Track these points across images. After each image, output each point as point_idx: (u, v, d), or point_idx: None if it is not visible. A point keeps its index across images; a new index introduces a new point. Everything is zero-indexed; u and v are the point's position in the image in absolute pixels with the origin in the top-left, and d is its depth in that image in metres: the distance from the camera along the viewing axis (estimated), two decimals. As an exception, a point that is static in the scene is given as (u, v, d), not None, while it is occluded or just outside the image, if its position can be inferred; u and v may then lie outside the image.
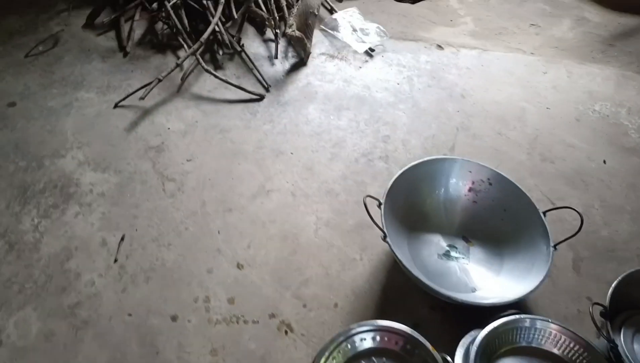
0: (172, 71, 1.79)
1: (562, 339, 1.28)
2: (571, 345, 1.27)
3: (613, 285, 1.34)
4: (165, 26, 2.01)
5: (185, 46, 1.93)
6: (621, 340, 1.32)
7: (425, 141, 1.83)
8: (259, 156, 1.72)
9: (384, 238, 1.35)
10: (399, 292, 1.41)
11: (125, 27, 1.99)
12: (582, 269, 1.55)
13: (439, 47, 2.13)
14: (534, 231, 1.51)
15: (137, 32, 2.00)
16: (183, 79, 1.87)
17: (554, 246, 1.45)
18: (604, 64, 2.18)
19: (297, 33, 1.91)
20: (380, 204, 1.45)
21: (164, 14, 1.96)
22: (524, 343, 1.31)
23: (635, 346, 1.33)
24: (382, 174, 1.72)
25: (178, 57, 1.95)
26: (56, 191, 1.54)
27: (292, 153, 1.75)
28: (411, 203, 1.58)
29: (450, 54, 2.11)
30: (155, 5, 2.03)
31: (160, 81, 1.75)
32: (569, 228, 1.47)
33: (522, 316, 1.30)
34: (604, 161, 1.85)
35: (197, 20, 2.05)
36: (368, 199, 1.37)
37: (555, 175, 1.80)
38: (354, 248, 1.48)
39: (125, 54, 1.93)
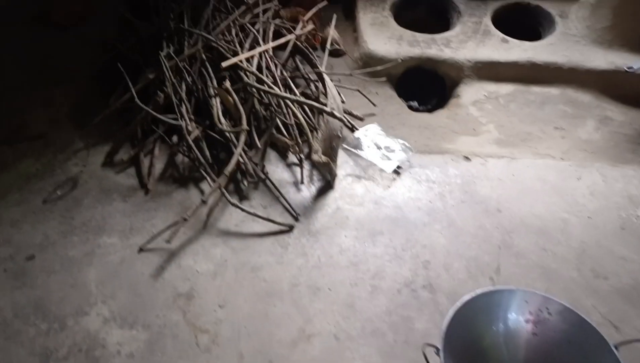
0: (198, 208, 1.71)
1: None
2: None
3: None
4: (186, 158, 1.96)
5: (208, 179, 1.86)
6: None
7: (468, 263, 1.74)
8: (295, 295, 1.62)
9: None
10: None
11: (145, 163, 1.95)
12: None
13: (466, 158, 2.08)
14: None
15: (157, 167, 1.97)
16: (208, 215, 1.79)
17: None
18: (637, 164, 2.14)
19: (324, 158, 1.86)
20: (438, 351, 1.33)
21: (185, 147, 1.91)
22: None
23: None
24: (429, 306, 1.62)
25: (201, 191, 1.89)
26: (81, 356, 1.42)
27: (329, 289, 1.65)
28: (469, 342, 1.47)
29: (478, 165, 2.07)
30: (175, 138, 1.98)
31: (186, 220, 1.68)
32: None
33: None
34: (660, 272, 1.75)
35: (218, 149, 2.00)
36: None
37: (611, 293, 1.70)
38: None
39: (147, 192, 1.88)
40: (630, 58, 2.41)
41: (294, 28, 2.40)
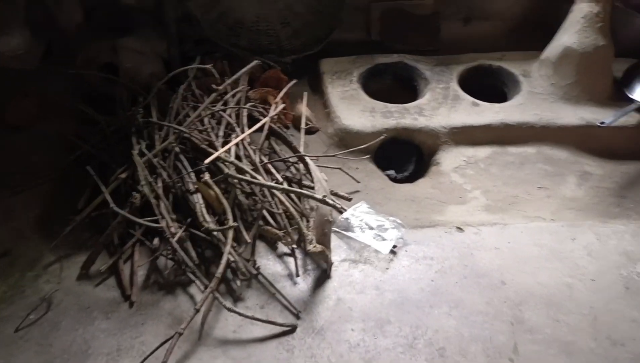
0: (192, 319, 1.57)
1: None
2: None
3: None
4: (170, 261, 1.82)
5: (197, 282, 1.73)
6: None
7: (484, 345, 1.67)
8: (310, 406, 1.48)
9: None
10: None
11: (126, 271, 1.81)
12: None
13: (459, 229, 2.04)
14: None
15: (140, 274, 1.81)
16: (203, 323, 1.65)
17: None
18: (624, 218, 2.15)
19: (319, 248, 1.77)
20: None
21: (169, 250, 1.77)
22: None
23: None
24: None
25: (191, 296, 1.77)
26: None
27: (346, 395, 1.52)
28: None
29: (472, 236, 2.02)
30: (156, 240, 1.85)
31: (180, 335, 1.54)
32: None
33: None
34: (675, 332, 1.71)
35: (203, 247, 1.87)
36: None
37: (634, 359, 1.64)
38: None
39: (131, 304, 1.73)
40: (597, 112, 2.46)
41: (266, 109, 2.34)
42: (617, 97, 2.56)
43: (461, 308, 1.79)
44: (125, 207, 1.84)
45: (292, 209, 1.86)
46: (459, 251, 1.98)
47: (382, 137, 2.31)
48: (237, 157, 2.01)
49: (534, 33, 3.16)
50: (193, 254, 1.81)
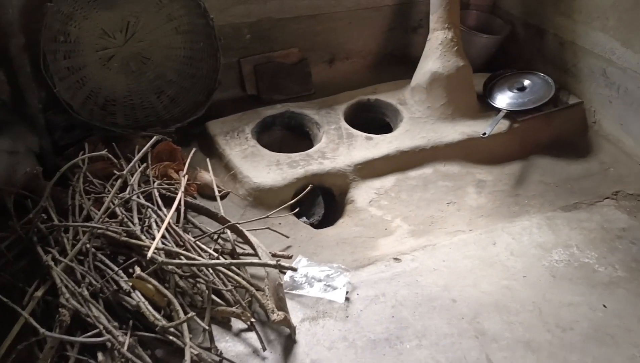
0: None
1: None
2: None
3: None
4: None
5: (162, 388, 1.55)
6: None
7: (461, 366, 1.69)
8: None
9: None
10: None
11: (74, 400, 1.54)
12: None
13: (396, 259, 2.10)
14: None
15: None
16: None
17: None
18: (525, 214, 2.36)
19: (282, 315, 1.69)
20: None
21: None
22: None
23: None
24: None
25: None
26: None
27: None
28: None
29: (410, 263, 2.09)
30: (100, 356, 1.62)
31: None
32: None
33: None
34: (604, 306, 1.91)
35: (152, 348, 1.69)
36: None
37: (584, 341, 1.81)
38: None
39: None
40: (473, 125, 2.71)
41: (172, 185, 2.20)
42: (484, 108, 2.84)
43: (428, 335, 1.82)
44: (54, 328, 1.60)
45: (244, 283, 1.76)
46: (404, 282, 2.03)
47: (309, 187, 2.28)
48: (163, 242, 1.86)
49: (390, 65, 3.42)
50: (148, 359, 1.62)
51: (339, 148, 2.57)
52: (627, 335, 1.83)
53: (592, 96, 2.82)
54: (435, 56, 2.79)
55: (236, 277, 1.78)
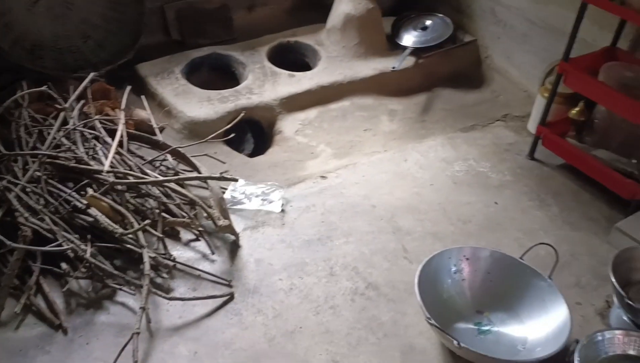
0: (142, 317, 1.61)
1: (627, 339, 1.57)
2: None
3: (611, 275, 1.68)
4: (82, 282, 1.78)
5: (124, 288, 1.74)
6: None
7: (383, 255, 2.03)
8: (278, 347, 1.68)
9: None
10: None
11: (42, 304, 1.70)
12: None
13: (323, 177, 2.36)
14: (523, 274, 1.81)
15: (58, 302, 1.72)
16: (148, 321, 1.69)
17: (550, 278, 1.76)
18: (431, 136, 2.69)
19: (227, 222, 1.91)
20: (429, 318, 1.57)
21: (82, 270, 1.73)
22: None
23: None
24: (381, 300, 1.86)
25: (122, 304, 1.77)
26: None
27: (301, 327, 1.77)
28: (435, 300, 1.73)
29: (335, 179, 2.36)
30: (64, 264, 1.77)
31: (138, 334, 1.57)
32: (536, 259, 1.81)
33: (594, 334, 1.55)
34: (496, 203, 2.28)
35: (111, 258, 1.86)
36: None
37: (479, 230, 2.17)
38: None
39: (65, 331, 1.66)
40: (383, 62, 2.99)
41: (110, 120, 2.32)
42: (393, 47, 3.13)
43: (353, 234, 2.11)
44: (18, 242, 1.74)
45: (191, 196, 1.95)
46: (330, 193, 2.30)
47: (242, 114, 2.48)
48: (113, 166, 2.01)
49: (307, 11, 3.62)
50: (109, 265, 1.80)
51: (264, 84, 2.78)
52: (513, 223, 2.21)
53: (484, 33, 3.19)
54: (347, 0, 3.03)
55: (183, 191, 1.98)
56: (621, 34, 2.43)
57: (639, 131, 2.28)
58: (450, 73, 3.15)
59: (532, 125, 2.69)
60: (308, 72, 2.90)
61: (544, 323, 1.72)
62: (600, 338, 1.57)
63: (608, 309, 1.87)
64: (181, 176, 2.06)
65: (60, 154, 1.97)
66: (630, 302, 1.61)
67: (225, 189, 2.20)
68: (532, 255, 1.85)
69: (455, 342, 1.53)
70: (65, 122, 2.19)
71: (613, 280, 1.68)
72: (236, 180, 1.98)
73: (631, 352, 1.56)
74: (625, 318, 1.73)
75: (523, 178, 2.45)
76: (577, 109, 2.44)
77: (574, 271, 2.02)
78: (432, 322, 1.57)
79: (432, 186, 2.39)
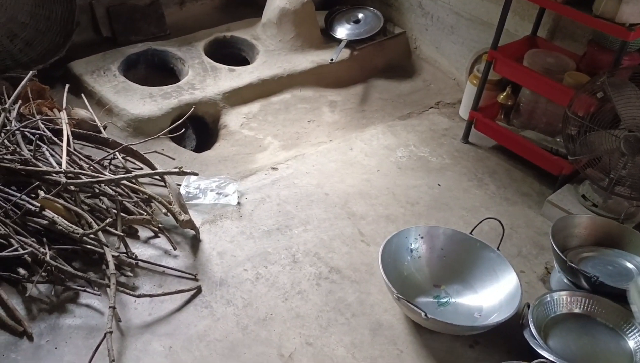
0: (112, 316, 1.59)
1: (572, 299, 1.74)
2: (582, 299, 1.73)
3: (552, 243, 1.84)
4: (42, 287, 1.73)
5: (88, 289, 1.71)
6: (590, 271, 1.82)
7: (341, 240, 2.11)
8: (252, 335, 1.72)
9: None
10: None
11: (2, 312, 1.63)
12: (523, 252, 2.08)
13: (274, 168, 2.40)
14: (474, 247, 1.94)
15: (19, 309, 1.66)
16: (118, 320, 1.67)
17: (498, 249, 1.90)
18: (372, 125, 2.80)
19: (188, 216, 1.91)
20: (399, 298, 1.66)
21: (44, 273, 1.68)
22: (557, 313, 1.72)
23: (591, 270, 1.84)
24: (345, 282, 1.95)
25: (87, 305, 1.73)
26: None
27: (272, 314, 1.80)
28: (397, 277, 1.83)
29: (286, 170, 2.41)
30: (22, 270, 1.70)
31: (111, 333, 1.55)
32: (483, 234, 1.96)
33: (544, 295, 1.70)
34: (439, 184, 2.42)
35: (69, 261, 1.81)
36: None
37: (428, 210, 2.30)
38: None
39: (30, 337, 1.61)
40: (320, 54, 3.07)
41: (51, 121, 2.23)
42: (327, 40, 3.21)
43: (311, 222, 2.17)
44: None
45: (150, 192, 1.93)
46: (283, 184, 2.34)
47: (192, 109, 2.47)
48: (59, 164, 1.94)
49: (237, 7, 3.63)
50: (70, 268, 1.75)
51: (205, 79, 2.77)
52: (457, 202, 2.36)
53: (412, 25, 3.34)
54: (282, -6, 3.08)
55: (141, 188, 1.95)
56: (540, 24, 2.65)
57: (561, 111, 2.51)
58: (384, 64, 3.28)
59: (463, 111, 2.87)
60: (248, 66, 2.92)
61: (497, 291, 1.86)
62: (548, 299, 1.73)
63: (548, 275, 2.06)
64: (139, 172, 2.03)
65: (6, 157, 1.88)
66: (572, 264, 1.79)
67: (180, 184, 2.19)
68: (478, 230, 2.00)
69: (423, 314, 1.63)
70: (4, 123, 2.09)
71: (554, 246, 1.85)
72: (197, 174, 1.97)
73: (576, 310, 1.74)
74: (565, 280, 1.92)
75: (461, 160, 2.62)
76: (504, 94, 2.64)
77: (515, 243, 2.19)
78: (401, 297, 1.67)
79: (379, 172, 2.49)
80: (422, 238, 1.99)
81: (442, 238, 2.01)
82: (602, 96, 2.10)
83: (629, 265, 1.92)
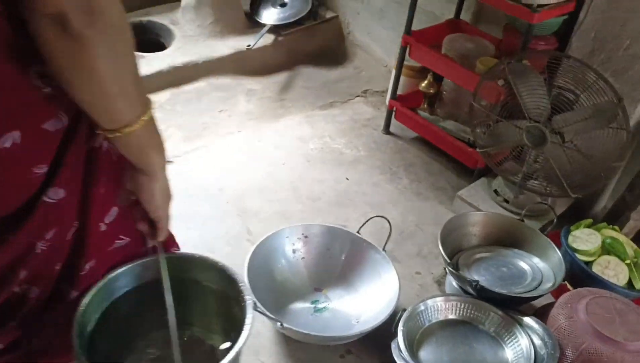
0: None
1: (448, 305, 1.61)
2: (458, 304, 1.60)
3: (440, 243, 1.71)
4: None
5: None
6: (472, 276, 1.69)
7: (225, 239, 1.99)
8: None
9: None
10: None
11: None
12: (398, 257, 1.94)
13: (169, 161, 2.23)
14: (360, 248, 1.82)
15: None
16: None
17: (384, 250, 1.77)
18: (289, 114, 2.67)
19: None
20: (253, 302, 1.53)
21: None
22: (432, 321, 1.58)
23: (476, 277, 1.72)
24: None
25: None
26: None
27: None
28: (271, 283, 1.71)
29: (183, 164, 2.29)
30: None
31: None
32: (375, 234, 1.82)
33: (417, 304, 1.57)
34: (347, 179, 2.29)
35: None
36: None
37: (329, 206, 2.17)
38: None
39: None
40: (241, 40, 2.91)
41: None
42: (253, 25, 3.05)
43: (196, 219, 2.04)
44: None
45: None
46: (177, 179, 2.16)
47: None
48: None
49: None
50: None
51: (110, 67, 2.62)
52: (363, 197, 2.23)
53: (344, 9, 3.18)
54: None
55: None
56: (462, 7, 2.50)
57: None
58: (314, 50, 3.13)
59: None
60: (160, 53, 2.77)
61: (379, 295, 1.73)
62: (422, 308, 1.59)
63: (445, 276, 1.93)
64: None
65: None
66: (449, 268, 1.66)
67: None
68: (377, 228, 1.87)
69: (278, 324, 1.50)
70: None
71: (440, 248, 1.72)
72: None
73: (451, 317, 1.61)
74: (454, 284, 1.79)
75: (377, 152, 2.48)
76: (426, 81, 2.49)
77: (417, 241, 2.06)
78: (258, 305, 1.54)
79: (284, 165, 2.35)
80: (305, 237, 1.85)
81: (327, 238, 1.87)
82: (502, 84, 1.96)
83: (525, 267, 1.79)
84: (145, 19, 2.97)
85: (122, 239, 1.16)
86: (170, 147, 2.36)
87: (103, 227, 1.08)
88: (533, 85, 1.88)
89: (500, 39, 2.36)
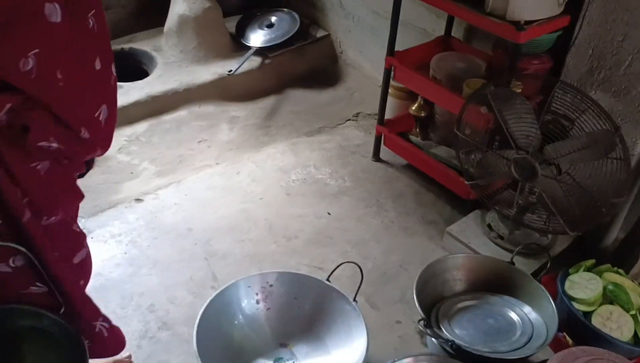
0: None
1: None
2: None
3: (415, 295, 1.52)
4: None
5: None
6: (446, 333, 1.50)
7: (187, 286, 1.84)
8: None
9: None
10: None
11: None
12: (378, 303, 1.76)
13: (138, 200, 2.13)
14: (329, 298, 1.64)
15: None
16: None
17: (355, 300, 1.59)
18: (273, 143, 2.51)
19: None
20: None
21: None
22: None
23: (457, 331, 1.53)
24: (173, 342, 1.66)
25: None
26: None
27: None
28: (224, 345, 1.54)
29: (153, 201, 2.15)
30: None
31: None
32: (351, 278, 1.64)
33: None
34: (329, 213, 2.11)
35: None
36: None
37: (305, 245, 2.00)
38: None
39: None
40: (226, 65, 2.77)
41: None
42: (238, 48, 2.92)
43: (159, 265, 1.90)
44: None
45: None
46: (144, 219, 2.07)
47: None
48: None
49: (153, 13, 3.36)
50: None
51: (85, 99, 2.52)
52: (344, 234, 2.05)
53: (336, 27, 3.02)
54: (182, -1, 2.81)
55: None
56: (453, 23, 2.30)
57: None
58: (304, 72, 2.97)
59: (382, 123, 2.55)
60: (139, 82, 2.65)
61: (348, 353, 1.55)
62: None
63: (428, 326, 1.74)
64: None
65: None
66: (420, 325, 1.46)
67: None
68: (353, 272, 1.68)
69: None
70: None
71: (415, 300, 1.52)
72: None
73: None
74: (433, 341, 1.59)
75: (364, 183, 2.30)
76: (416, 104, 2.30)
77: (399, 284, 1.87)
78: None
79: (261, 200, 2.19)
80: (270, 286, 1.68)
81: (296, 286, 1.69)
82: (485, 111, 1.75)
83: (514, 318, 1.58)
84: (127, 46, 2.86)
85: None
86: (141, 184, 2.27)
87: None
88: (520, 112, 1.68)
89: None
